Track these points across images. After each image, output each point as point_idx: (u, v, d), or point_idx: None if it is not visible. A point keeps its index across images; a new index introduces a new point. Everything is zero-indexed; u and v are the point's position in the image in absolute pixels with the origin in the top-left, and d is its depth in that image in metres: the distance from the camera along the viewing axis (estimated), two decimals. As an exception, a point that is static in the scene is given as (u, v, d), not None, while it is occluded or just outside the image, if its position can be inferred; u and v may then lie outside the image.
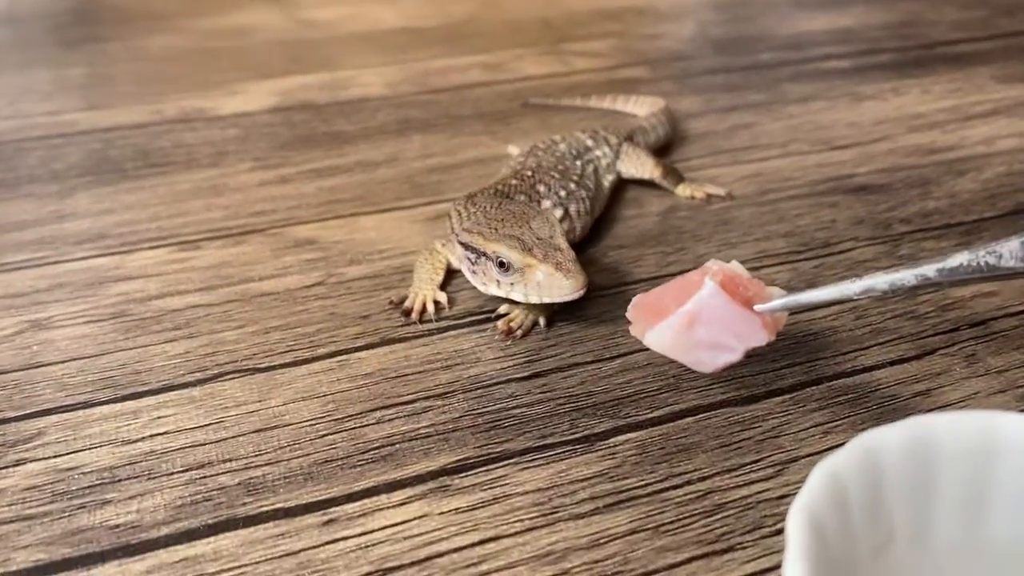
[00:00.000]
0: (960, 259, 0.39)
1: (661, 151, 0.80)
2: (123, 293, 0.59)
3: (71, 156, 0.81)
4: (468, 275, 0.56)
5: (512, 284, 0.52)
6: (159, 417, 0.48)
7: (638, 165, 0.72)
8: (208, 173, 0.78)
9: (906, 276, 0.39)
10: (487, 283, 0.54)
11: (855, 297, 0.41)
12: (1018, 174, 0.75)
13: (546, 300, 0.51)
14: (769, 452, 0.45)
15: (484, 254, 0.53)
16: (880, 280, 0.40)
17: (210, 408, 0.48)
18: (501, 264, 0.52)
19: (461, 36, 1.19)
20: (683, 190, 0.71)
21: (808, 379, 0.50)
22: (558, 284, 0.51)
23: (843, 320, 0.55)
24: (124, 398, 0.49)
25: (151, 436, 0.46)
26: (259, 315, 0.57)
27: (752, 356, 0.50)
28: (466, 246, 0.55)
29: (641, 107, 0.88)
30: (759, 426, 0.47)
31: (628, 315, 0.44)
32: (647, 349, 0.52)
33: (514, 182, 0.62)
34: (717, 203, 0.71)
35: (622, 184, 0.74)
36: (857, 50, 1.10)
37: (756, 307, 0.42)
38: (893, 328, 0.54)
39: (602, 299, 0.58)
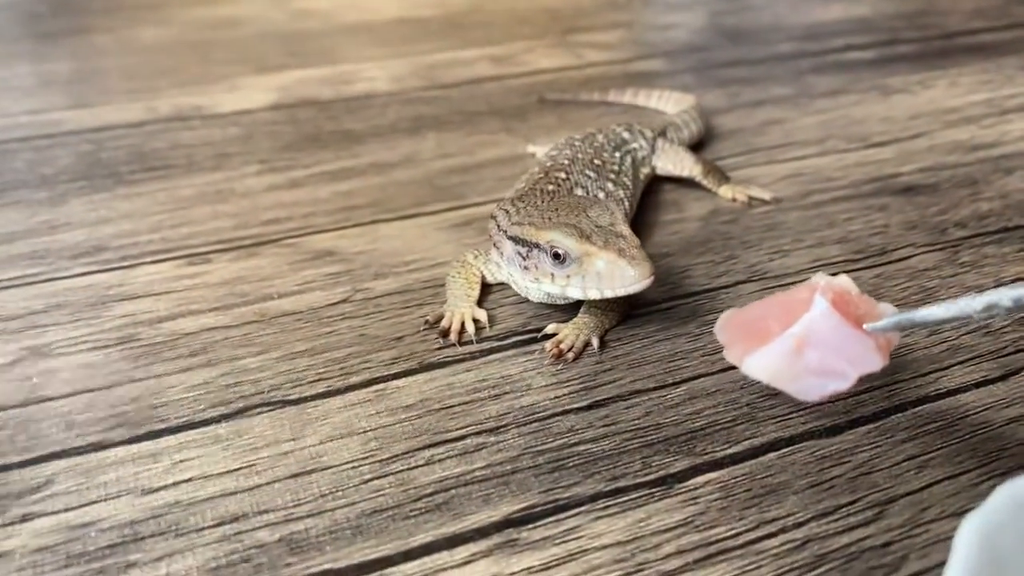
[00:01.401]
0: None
1: (693, 149, 0.75)
2: (129, 314, 0.54)
3: (60, 159, 0.76)
4: (519, 276, 0.51)
5: (569, 277, 0.47)
6: (182, 460, 0.43)
7: (676, 161, 0.68)
8: (211, 177, 0.72)
9: None
10: (540, 279, 0.49)
11: (975, 316, 0.36)
12: (1068, 172, 0.72)
13: (608, 294, 0.47)
14: (864, 491, 0.40)
15: (537, 245, 0.48)
16: (1004, 296, 0.35)
17: (239, 449, 0.43)
18: (556, 255, 0.47)
19: (463, 27, 1.14)
20: (726, 191, 0.67)
21: (891, 405, 0.46)
22: (621, 273, 0.45)
23: (916, 336, 0.51)
24: (140, 438, 0.44)
25: (175, 484, 0.41)
26: (282, 338, 0.52)
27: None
28: (516, 240, 0.50)
29: (667, 103, 0.83)
30: (848, 460, 0.42)
31: (720, 337, 0.40)
32: (713, 373, 0.48)
33: (551, 187, 0.57)
34: (759, 206, 0.66)
35: (657, 184, 0.70)
36: (877, 40, 1.06)
37: (867, 326, 0.37)
38: (970, 345, 0.50)
39: (655, 315, 0.53)
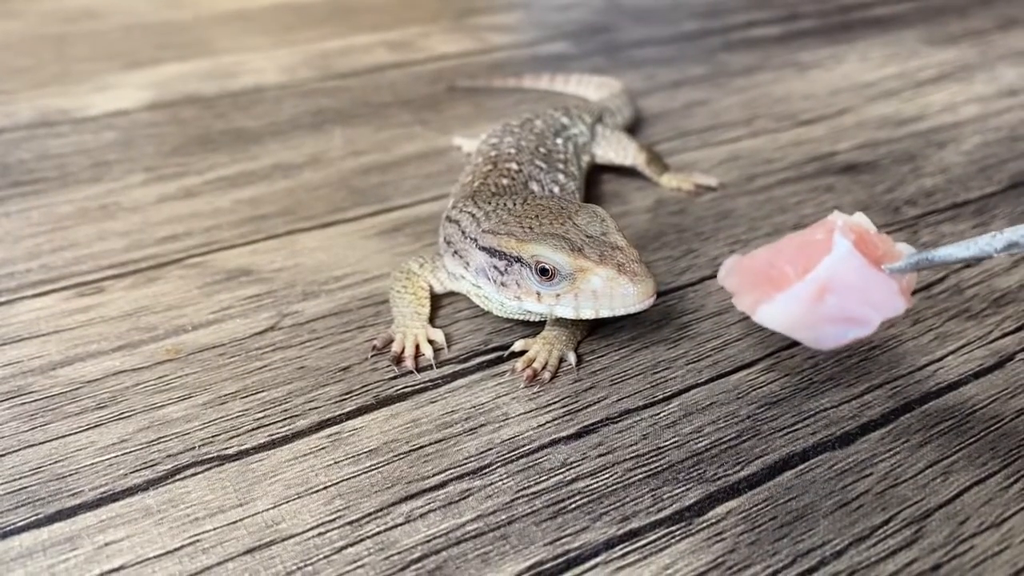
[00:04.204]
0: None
1: (624, 135, 0.71)
2: (14, 362, 0.45)
3: (-98, 177, 0.65)
4: (492, 292, 0.44)
5: (558, 296, 0.41)
6: (107, 543, 0.35)
7: (619, 150, 0.63)
8: (91, 190, 0.63)
9: None
10: (523, 297, 0.42)
11: (995, 255, 0.34)
12: (995, 143, 0.71)
13: (605, 314, 0.41)
14: (896, 507, 0.37)
15: (518, 259, 0.42)
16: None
17: (176, 522, 0.36)
18: (543, 271, 0.41)
19: (349, 11, 1.06)
20: (668, 180, 0.62)
21: (896, 405, 0.43)
22: (622, 292, 0.40)
23: (900, 327, 0.48)
24: (50, 519, 0.36)
25: (103, 575, 0.34)
26: (206, 378, 0.44)
27: (826, 380, 0.44)
28: (492, 251, 0.43)
29: (587, 87, 0.79)
30: (870, 473, 0.39)
31: (726, 284, 0.37)
32: (703, 383, 0.44)
33: (504, 181, 0.51)
34: (704, 194, 0.62)
35: (594, 174, 0.65)
36: (778, 16, 1.04)
37: (885, 267, 0.35)
38: (956, 331, 0.48)
39: (626, 320, 0.48)
